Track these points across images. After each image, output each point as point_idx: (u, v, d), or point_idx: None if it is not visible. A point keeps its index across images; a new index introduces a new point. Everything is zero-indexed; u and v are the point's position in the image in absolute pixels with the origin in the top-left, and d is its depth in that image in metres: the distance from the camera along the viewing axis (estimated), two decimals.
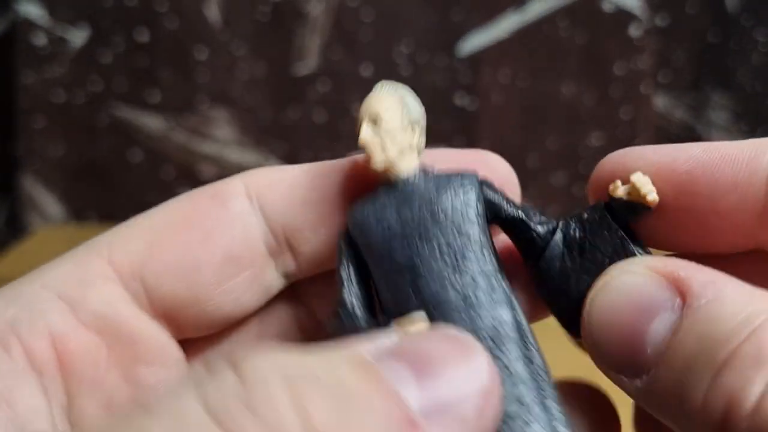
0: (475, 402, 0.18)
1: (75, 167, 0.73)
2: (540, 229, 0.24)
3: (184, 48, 0.71)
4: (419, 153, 0.24)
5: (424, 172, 0.24)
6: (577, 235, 0.24)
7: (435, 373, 0.18)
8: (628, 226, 0.23)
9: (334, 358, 0.17)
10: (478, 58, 0.72)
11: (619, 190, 0.23)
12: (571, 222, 0.24)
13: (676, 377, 0.19)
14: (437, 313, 0.22)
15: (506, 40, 0.72)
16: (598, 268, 0.23)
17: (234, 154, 0.74)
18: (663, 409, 0.20)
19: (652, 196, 0.22)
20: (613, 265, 0.22)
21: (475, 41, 0.72)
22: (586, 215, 0.24)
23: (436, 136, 0.79)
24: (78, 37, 0.71)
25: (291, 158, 0.74)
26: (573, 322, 0.23)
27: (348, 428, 0.16)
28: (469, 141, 0.73)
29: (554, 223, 0.24)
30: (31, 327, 0.22)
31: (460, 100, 0.73)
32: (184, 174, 0.73)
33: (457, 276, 0.23)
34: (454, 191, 0.24)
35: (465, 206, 0.24)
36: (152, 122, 0.72)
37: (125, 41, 0.71)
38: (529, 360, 0.22)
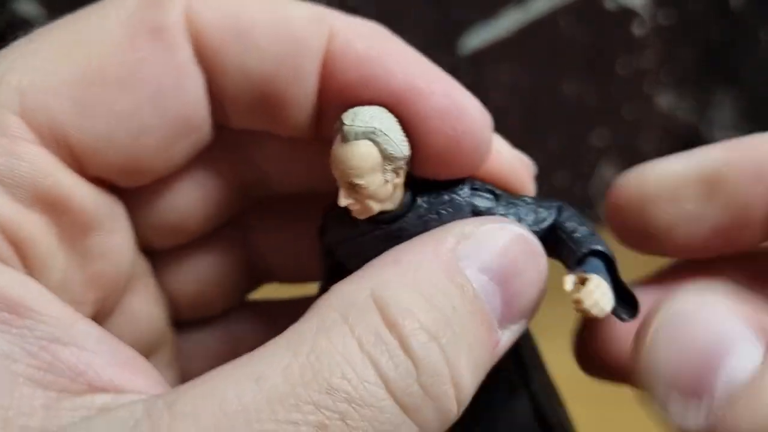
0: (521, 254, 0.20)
1: None
2: (536, 228, 0.23)
3: None
4: (406, 179, 0.22)
5: (412, 199, 0.22)
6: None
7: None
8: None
9: (450, 290, 0.19)
10: (480, 56, 0.72)
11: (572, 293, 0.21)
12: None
13: (757, 420, 0.18)
14: None
15: (508, 38, 0.72)
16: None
17: None
18: None
19: (595, 310, 0.21)
20: (685, 291, 0.20)
21: (477, 39, 0.72)
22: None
23: None
24: None
25: None
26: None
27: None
28: None
29: (554, 210, 0.24)
30: None
31: None
32: None
33: None
34: (444, 222, 0.22)
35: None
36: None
37: None
38: None
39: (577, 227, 0.23)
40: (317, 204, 0.23)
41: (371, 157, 0.21)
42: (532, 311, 0.21)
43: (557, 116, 0.73)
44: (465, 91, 0.21)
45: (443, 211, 0.22)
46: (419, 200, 0.22)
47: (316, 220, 0.23)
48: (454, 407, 0.18)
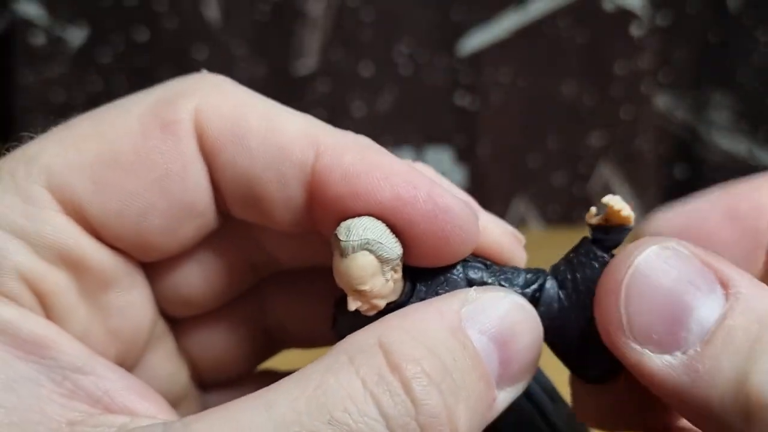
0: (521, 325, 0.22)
1: None
2: (527, 291, 0.24)
3: (184, 47, 0.71)
4: (401, 274, 0.24)
5: (412, 285, 0.24)
6: (569, 276, 0.24)
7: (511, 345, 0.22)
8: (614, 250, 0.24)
9: (454, 347, 0.20)
10: (479, 57, 0.72)
11: (594, 218, 0.24)
12: (560, 266, 0.24)
13: (733, 357, 0.19)
14: None
15: (507, 40, 0.72)
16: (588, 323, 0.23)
17: None
18: (703, 390, 0.20)
19: (626, 211, 0.23)
20: (645, 239, 0.22)
21: (476, 40, 0.72)
22: (572, 255, 0.24)
23: (436, 136, 0.79)
24: (77, 36, 0.71)
25: None
26: (579, 364, 0.24)
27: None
28: (470, 141, 0.73)
29: (542, 275, 0.24)
30: (2, 273, 0.21)
31: (461, 99, 0.73)
32: None
33: None
34: None
35: None
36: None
37: (124, 41, 0.71)
38: None
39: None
40: (329, 271, 0.25)
41: (370, 265, 0.23)
42: (529, 374, 0.22)
43: (556, 117, 0.73)
44: (447, 192, 0.23)
45: (441, 291, 0.24)
46: (418, 285, 0.24)
47: (328, 286, 0.25)
48: None
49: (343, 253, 0.23)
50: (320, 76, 0.72)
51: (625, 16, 0.71)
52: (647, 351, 0.21)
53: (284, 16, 0.71)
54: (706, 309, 0.20)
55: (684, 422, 0.24)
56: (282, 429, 0.18)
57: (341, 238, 0.23)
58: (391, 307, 0.23)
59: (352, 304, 0.23)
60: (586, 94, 0.72)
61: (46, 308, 0.22)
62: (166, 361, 0.27)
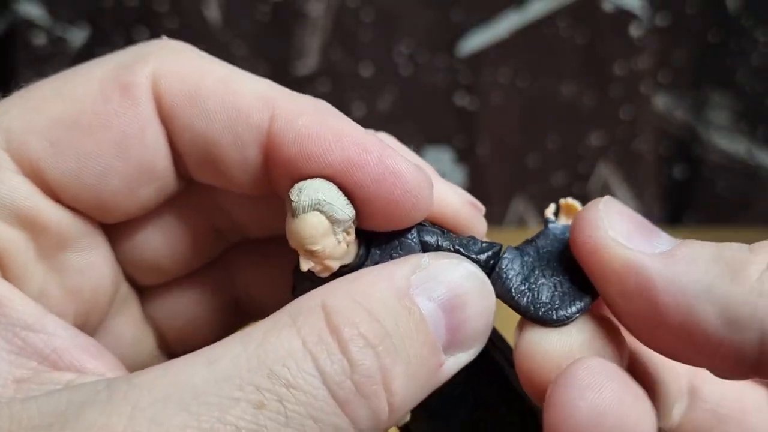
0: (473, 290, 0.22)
1: None
2: (481, 257, 0.24)
3: None
4: (355, 237, 0.24)
5: (366, 249, 0.25)
6: (530, 246, 0.25)
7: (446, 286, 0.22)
8: None
9: (397, 310, 0.21)
10: (478, 58, 0.72)
11: (551, 213, 0.25)
12: (525, 246, 0.25)
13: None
14: None
15: (506, 40, 0.72)
16: (555, 276, 0.24)
17: None
18: (675, 276, 0.21)
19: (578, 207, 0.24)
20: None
21: (475, 41, 0.72)
22: (530, 238, 0.26)
23: (436, 136, 0.79)
24: (78, 36, 0.71)
25: None
26: (546, 309, 0.24)
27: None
28: (469, 141, 0.73)
29: (497, 246, 0.25)
30: None
31: (460, 100, 0.73)
32: None
33: None
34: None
35: None
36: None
37: (125, 41, 0.71)
38: None
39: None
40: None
41: (321, 225, 0.23)
42: (480, 340, 0.23)
43: (555, 117, 0.73)
44: (399, 156, 0.23)
45: (395, 255, 0.24)
46: (373, 249, 0.25)
47: (294, 257, 0.25)
48: (384, 408, 0.20)
49: (295, 213, 0.23)
50: (320, 76, 0.72)
51: (625, 16, 0.71)
52: (628, 244, 0.22)
53: (284, 16, 0.71)
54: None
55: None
56: (222, 382, 0.19)
57: (293, 199, 0.23)
58: (345, 271, 0.24)
59: (304, 264, 0.23)
60: (585, 94, 0.72)
61: (1, 267, 0.22)
62: (131, 327, 0.27)
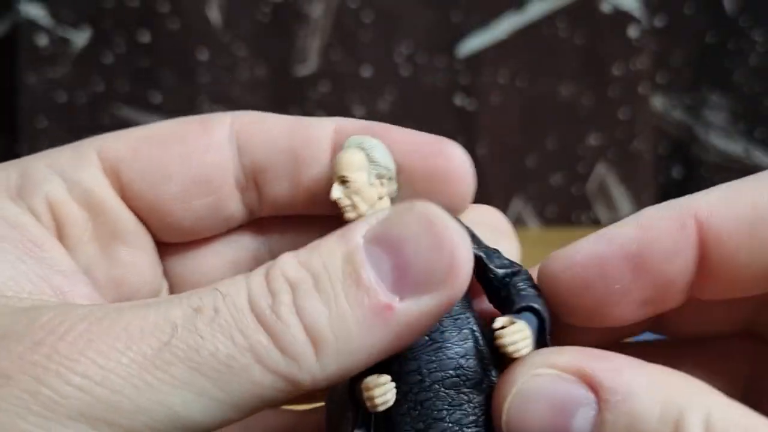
0: (436, 257, 0.21)
1: None
2: (499, 272, 0.24)
3: (186, 49, 0.71)
4: (392, 199, 0.26)
5: None
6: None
7: (402, 244, 0.21)
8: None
9: (332, 254, 0.21)
10: (478, 58, 0.73)
11: (497, 327, 0.23)
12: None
13: None
14: (407, 356, 0.23)
15: (505, 41, 0.72)
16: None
17: None
18: None
19: (512, 355, 0.23)
20: (518, 369, 0.22)
21: (475, 42, 0.72)
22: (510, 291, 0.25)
23: None
24: (80, 37, 0.71)
25: None
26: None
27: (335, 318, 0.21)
28: (469, 141, 0.73)
29: (518, 267, 0.25)
30: (34, 194, 0.26)
31: (460, 100, 0.73)
32: None
33: None
34: None
35: None
36: (154, 122, 0.72)
37: (127, 42, 0.71)
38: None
39: (528, 288, 0.24)
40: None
41: (359, 158, 0.25)
42: (442, 282, 0.21)
43: (554, 118, 0.74)
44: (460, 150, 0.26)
45: None
46: None
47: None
48: (301, 337, 0.21)
49: (341, 150, 0.26)
50: (321, 77, 0.72)
51: (623, 17, 0.72)
52: None
53: (285, 17, 0.72)
54: (581, 423, 0.21)
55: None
56: (169, 299, 0.21)
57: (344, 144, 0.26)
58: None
59: (335, 191, 0.25)
60: (584, 95, 0.73)
61: (61, 234, 0.26)
62: None
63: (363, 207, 0.25)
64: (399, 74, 0.72)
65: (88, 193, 0.27)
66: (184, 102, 0.72)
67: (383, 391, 0.22)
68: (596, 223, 0.74)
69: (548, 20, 0.72)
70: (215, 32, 0.71)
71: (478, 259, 0.24)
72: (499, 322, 0.23)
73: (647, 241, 0.24)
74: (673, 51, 0.75)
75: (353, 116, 0.78)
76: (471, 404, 0.23)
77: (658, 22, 0.74)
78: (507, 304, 0.24)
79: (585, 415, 0.21)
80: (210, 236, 0.29)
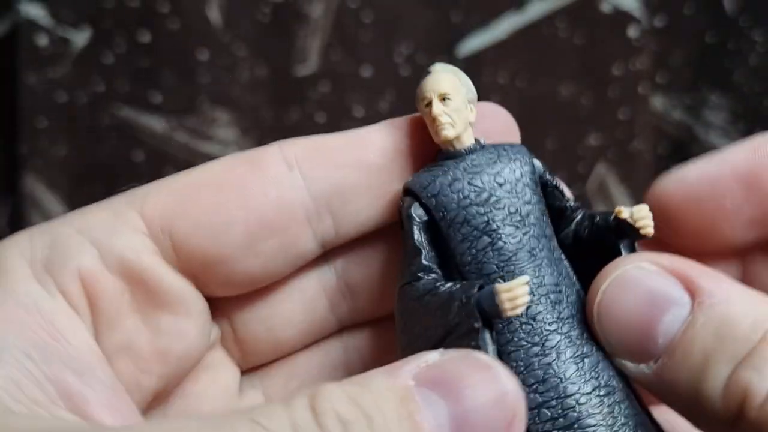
0: (497, 413, 0.20)
1: (77, 167, 0.74)
2: (571, 203, 0.28)
3: (186, 49, 0.71)
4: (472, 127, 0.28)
5: (479, 144, 0.28)
6: (585, 233, 0.27)
7: (462, 394, 0.20)
8: (632, 241, 0.26)
9: (384, 393, 0.20)
10: (477, 58, 0.73)
11: (624, 213, 0.26)
12: (584, 219, 0.27)
13: (691, 368, 0.21)
14: (512, 270, 0.25)
15: (505, 41, 0.72)
16: (588, 271, 0.26)
17: None
18: (671, 395, 0.22)
19: (645, 230, 0.25)
20: (623, 258, 0.24)
21: (474, 42, 0.72)
22: (597, 218, 0.27)
23: None
24: (80, 37, 0.71)
25: None
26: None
27: None
28: None
29: (579, 205, 0.28)
30: (63, 269, 0.24)
31: None
32: None
33: (526, 238, 0.26)
34: (513, 163, 0.28)
35: (524, 176, 0.27)
36: (154, 123, 0.73)
37: (127, 42, 0.71)
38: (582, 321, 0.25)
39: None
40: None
41: (455, 80, 0.27)
42: None
43: (554, 118, 0.74)
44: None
45: (503, 151, 0.28)
46: (482, 142, 0.28)
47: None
48: None
49: (432, 71, 0.27)
50: (321, 77, 0.72)
51: (623, 17, 0.72)
52: (625, 361, 0.23)
53: (285, 17, 0.72)
54: (672, 319, 0.22)
55: None
56: (214, 425, 0.19)
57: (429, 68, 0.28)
58: (462, 152, 0.27)
59: (437, 106, 0.26)
60: (583, 95, 0.73)
61: (95, 310, 0.24)
62: (218, 396, 0.27)
63: (460, 127, 0.26)
64: (399, 74, 0.72)
65: (126, 262, 0.24)
66: (184, 102, 0.72)
67: (525, 291, 0.23)
68: None
69: (548, 20, 0.72)
70: (215, 32, 0.71)
71: (556, 190, 0.28)
72: (625, 211, 0.26)
73: (758, 161, 0.25)
74: (673, 51, 0.75)
75: (353, 116, 0.78)
76: (568, 300, 0.25)
77: (658, 22, 0.74)
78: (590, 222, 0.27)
79: (677, 314, 0.22)
80: (278, 280, 0.27)
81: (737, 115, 0.75)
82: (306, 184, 0.26)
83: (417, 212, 0.26)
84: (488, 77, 0.73)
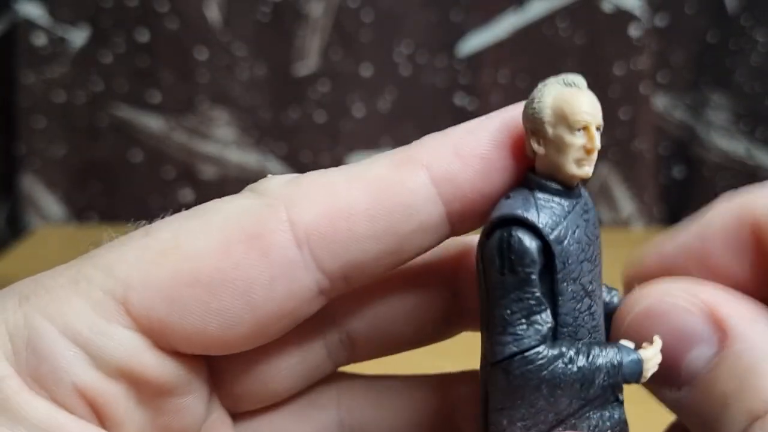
0: None
1: (76, 167, 0.74)
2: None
3: (185, 48, 0.71)
4: None
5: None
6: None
7: None
8: None
9: None
10: (478, 58, 0.72)
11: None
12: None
13: (712, 406, 0.21)
14: (597, 339, 0.22)
15: (506, 41, 0.72)
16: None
17: (234, 154, 0.74)
18: (691, 424, 0.22)
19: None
20: (654, 287, 0.23)
21: (475, 42, 0.72)
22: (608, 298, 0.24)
23: None
24: (78, 37, 0.71)
25: (291, 159, 0.74)
26: None
27: None
28: None
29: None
30: (58, 384, 0.22)
31: (460, 100, 0.73)
32: (185, 174, 0.74)
33: (599, 302, 0.22)
34: (595, 211, 0.23)
35: (599, 228, 0.23)
36: (153, 122, 0.72)
37: (126, 41, 0.71)
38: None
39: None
40: (405, 387, 0.26)
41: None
42: None
43: None
44: None
45: (587, 195, 0.23)
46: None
47: (407, 403, 0.25)
48: None
49: (577, 86, 0.22)
50: (320, 76, 0.72)
51: (624, 17, 0.71)
52: (653, 383, 0.22)
53: (284, 17, 0.71)
54: (697, 355, 0.21)
55: None
56: None
57: (566, 76, 0.22)
58: (574, 193, 0.22)
59: (598, 139, 0.21)
60: None
61: (101, 417, 0.22)
62: None
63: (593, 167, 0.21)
64: (399, 74, 0.72)
65: (123, 366, 0.22)
66: (183, 101, 0.72)
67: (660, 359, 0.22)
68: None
69: (549, 20, 0.72)
70: (214, 32, 0.71)
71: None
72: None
73: (709, 241, 0.24)
74: (674, 50, 0.75)
75: (353, 116, 0.78)
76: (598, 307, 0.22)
77: (659, 22, 0.74)
78: None
79: (702, 352, 0.21)
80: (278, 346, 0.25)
81: (738, 114, 0.75)
82: (318, 263, 0.22)
83: (536, 253, 0.21)
84: (489, 77, 0.73)
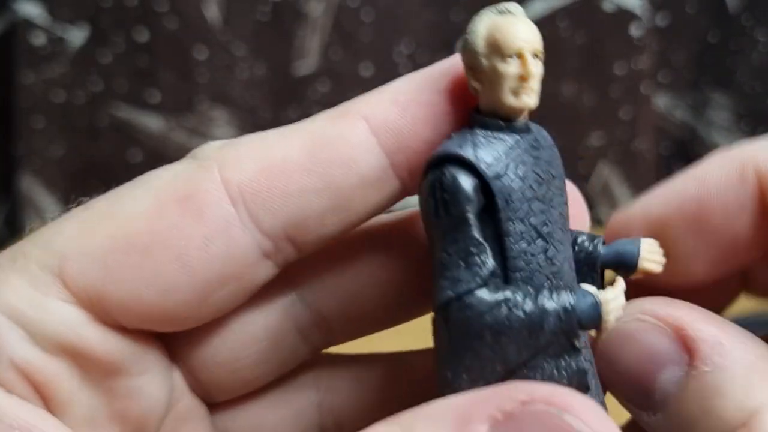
0: None
1: (75, 167, 0.73)
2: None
3: (184, 48, 0.71)
4: None
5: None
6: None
7: None
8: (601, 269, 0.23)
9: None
10: None
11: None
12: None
13: (682, 428, 0.21)
14: (560, 286, 0.20)
15: None
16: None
17: None
18: None
19: (650, 267, 0.22)
20: (630, 303, 0.22)
21: None
22: (581, 239, 0.23)
23: None
24: (77, 36, 0.71)
25: None
26: None
27: None
28: None
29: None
30: None
31: None
32: None
33: (565, 247, 0.21)
34: (556, 151, 0.22)
35: (562, 169, 0.22)
36: (152, 122, 0.72)
37: (125, 41, 0.71)
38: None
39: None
40: (387, 364, 0.25)
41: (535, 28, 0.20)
42: None
43: (556, 117, 0.73)
44: None
45: (546, 135, 0.22)
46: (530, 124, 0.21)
47: (388, 373, 0.24)
48: None
49: (514, 14, 0.21)
50: (320, 76, 0.72)
51: (625, 16, 0.71)
52: (632, 407, 0.22)
53: (284, 16, 0.71)
54: (668, 377, 0.21)
55: None
56: None
57: (504, 6, 0.21)
58: (520, 127, 0.21)
59: (534, 65, 0.20)
60: (585, 94, 0.72)
61: (44, 397, 0.21)
62: None
63: (536, 99, 0.20)
64: (399, 73, 0.72)
65: (63, 340, 0.21)
66: (182, 101, 0.72)
67: (623, 300, 0.21)
68: (598, 224, 0.74)
69: (549, 19, 0.72)
70: (214, 31, 0.71)
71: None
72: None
73: (705, 198, 0.23)
74: (676, 50, 0.75)
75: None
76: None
77: (661, 21, 0.74)
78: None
79: (672, 373, 0.21)
80: (242, 323, 0.24)
81: (740, 114, 0.75)
82: (256, 221, 0.21)
83: (472, 191, 0.19)
84: None
